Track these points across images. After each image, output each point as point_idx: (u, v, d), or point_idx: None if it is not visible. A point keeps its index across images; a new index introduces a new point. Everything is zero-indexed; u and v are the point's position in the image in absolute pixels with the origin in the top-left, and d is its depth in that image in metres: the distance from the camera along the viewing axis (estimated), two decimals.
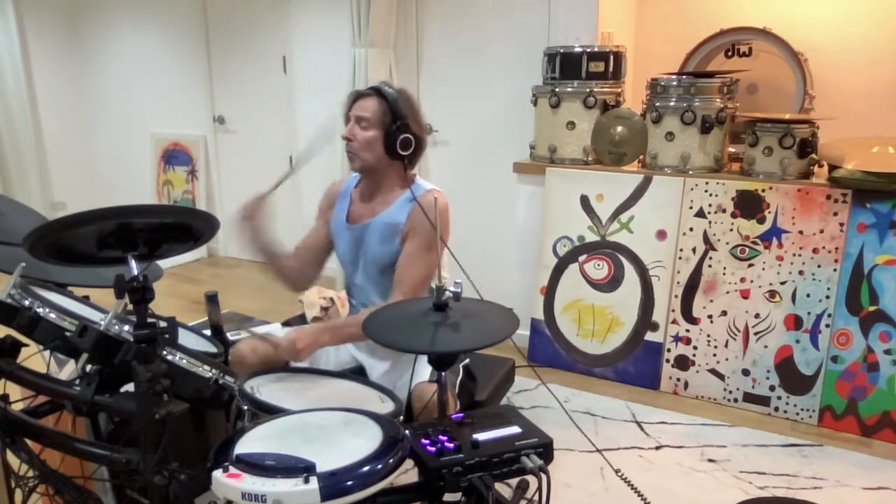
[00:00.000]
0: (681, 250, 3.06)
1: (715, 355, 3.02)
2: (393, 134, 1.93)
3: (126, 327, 1.43)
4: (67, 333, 1.41)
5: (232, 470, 1.17)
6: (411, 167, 2.04)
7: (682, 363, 3.09)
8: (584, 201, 3.23)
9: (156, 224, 1.35)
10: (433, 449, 1.31)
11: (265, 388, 1.64)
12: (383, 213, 2.03)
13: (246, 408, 1.53)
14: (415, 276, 1.95)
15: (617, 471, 2.29)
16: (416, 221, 1.96)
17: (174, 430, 1.31)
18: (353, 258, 2.10)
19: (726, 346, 2.99)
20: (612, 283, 3.20)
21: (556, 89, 3.22)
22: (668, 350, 3.11)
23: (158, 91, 5.33)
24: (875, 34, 3.27)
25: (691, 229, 3.03)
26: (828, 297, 2.78)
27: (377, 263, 2.04)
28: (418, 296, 1.90)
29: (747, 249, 2.93)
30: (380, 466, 1.20)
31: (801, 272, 2.83)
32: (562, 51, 3.21)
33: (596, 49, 3.19)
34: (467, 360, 2.16)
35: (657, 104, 3.07)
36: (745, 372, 2.96)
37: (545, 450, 1.34)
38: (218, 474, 1.17)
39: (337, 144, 4.23)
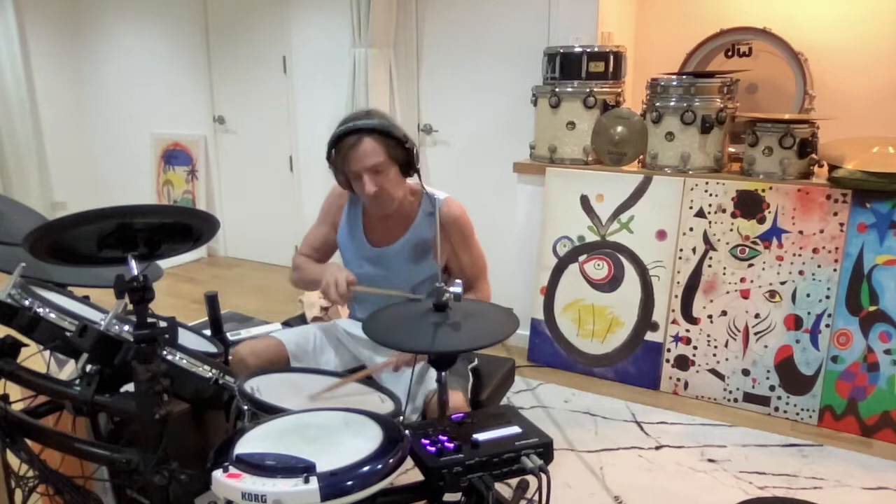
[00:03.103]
0: (681, 250, 3.06)
1: (715, 355, 3.02)
2: (406, 158, 1.89)
3: (126, 327, 1.43)
4: (67, 333, 1.42)
5: (232, 470, 1.17)
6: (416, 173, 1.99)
7: (682, 363, 3.09)
8: (584, 201, 3.23)
9: (156, 224, 1.35)
10: (433, 449, 1.31)
11: (265, 388, 1.64)
12: (408, 234, 2.01)
13: (246, 408, 1.53)
14: (482, 263, 2.09)
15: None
16: (446, 232, 1.98)
17: (174, 430, 1.31)
18: (374, 278, 2.05)
19: (726, 346, 2.99)
20: (612, 283, 3.20)
21: (556, 89, 3.22)
22: (668, 350, 3.11)
23: (158, 91, 5.33)
24: (875, 34, 3.27)
25: (691, 229, 3.03)
26: (828, 297, 2.78)
27: (411, 281, 2.02)
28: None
29: (747, 249, 2.93)
30: (380, 466, 1.20)
31: (801, 272, 2.83)
32: (562, 51, 3.21)
33: (596, 49, 3.19)
34: (475, 363, 2.15)
35: (657, 104, 3.07)
36: (745, 372, 2.96)
37: (545, 450, 1.34)
38: (218, 474, 1.17)
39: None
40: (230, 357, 1.96)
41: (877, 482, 2.42)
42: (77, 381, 1.42)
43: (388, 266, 2.04)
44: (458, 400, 1.80)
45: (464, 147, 4.01)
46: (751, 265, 2.92)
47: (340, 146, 1.85)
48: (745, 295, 2.94)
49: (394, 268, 2.04)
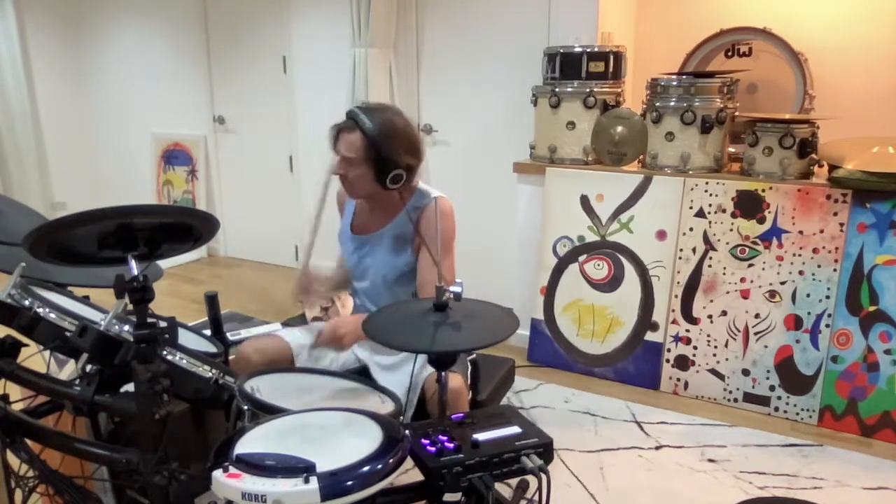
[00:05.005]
0: (681, 250, 3.06)
1: (715, 355, 3.02)
2: (382, 169, 1.88)
3: (126, 327, 1.43)
4: (67, 333, 1.42)
5: (232, 470, 1.17)
6: (407, 186, 1.99)
7: (682, 363, 3.09)
8: (584, 201, 3.23)
9: (156, 224, 1.35)
10: (433, 449, 1.31)
11: (265, 388, 1.64)
12: (391, 225, 2.03)
13: (246, 408, 1.53)
14: (453, 273, 2.01)
15: None
16: (426, 230, 1.97)
17: (174, 430, 1.31)
18: (358, 267, 2.11)
19: (726, 346, 2.99)
20: (612, 283, 3.20)
21: (556, 89, 3.22)
22: (668, 350, 3.11)
23: (158, 91, 5.33)
24: (875, 34, 3.27)
25: (691, 229, 3.03)
26: (828, 297, 2.78)
27: (388, 273, 2.04)
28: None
29: (747, 249, 2.93)
30: (380, 466, 1.20)
31: (801, 272, 2.83)
32: (562, 51, 3.21)
33: (596, 49, 3.19)
34: (474, 355, 2.15)
35: (657, 104, 3.07)
36: (745, 372, 2.96)
37: (545, 450, 1.34)
38: (218, 474, 1.17)
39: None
40: (232, 356, 1.96)
41: (877, 482, 2.42)
42: (77, 381, 1.42)
43: (369, 254, 2.07)
44: (456, 380, 1.81)
45: (464, 147, 4.01)
46: (751, 265, 2.92)
47: (341, 123, 1.94)
48: (745, 295, 2.94)
49: (373, 256, 2.06)
